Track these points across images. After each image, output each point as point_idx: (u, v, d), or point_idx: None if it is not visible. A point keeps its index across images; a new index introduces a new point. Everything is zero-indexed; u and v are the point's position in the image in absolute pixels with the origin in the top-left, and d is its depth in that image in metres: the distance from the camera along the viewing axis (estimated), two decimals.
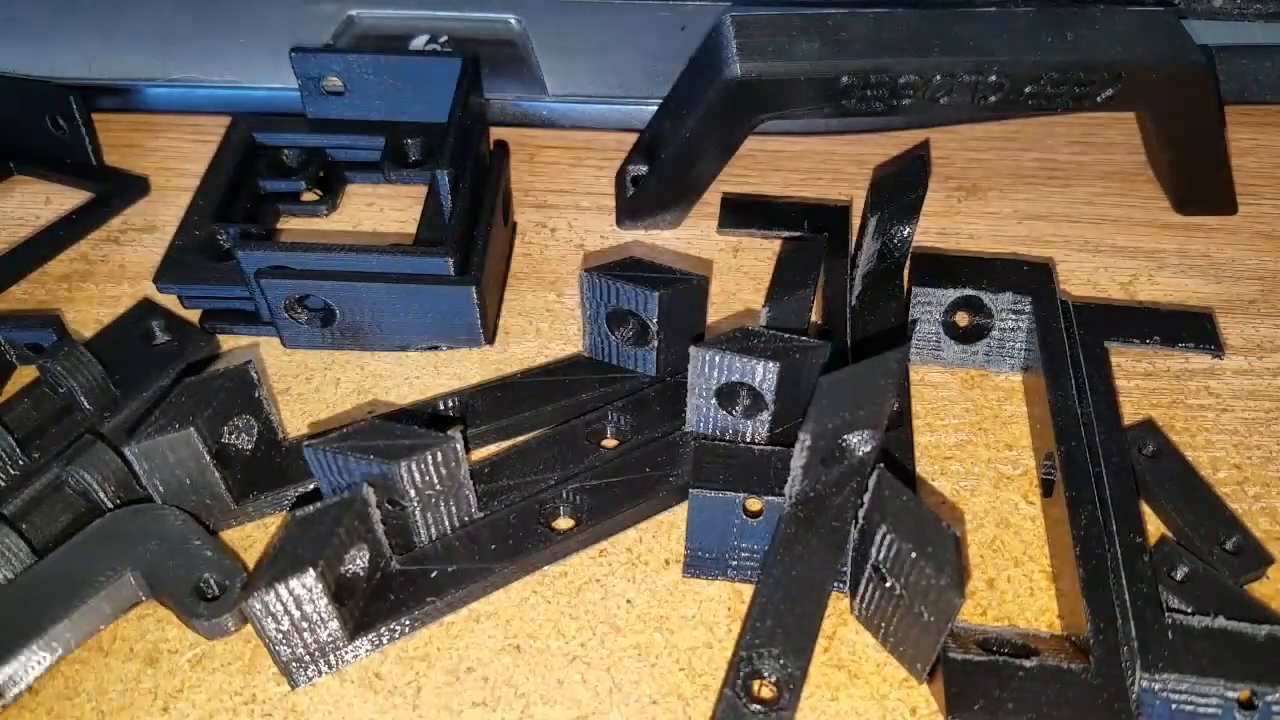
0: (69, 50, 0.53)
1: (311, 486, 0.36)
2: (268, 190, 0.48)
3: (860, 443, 0.33)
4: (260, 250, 0.40)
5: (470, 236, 0.41)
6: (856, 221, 0.47)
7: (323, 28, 0.52)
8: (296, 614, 0.30)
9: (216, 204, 0.45)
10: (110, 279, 0.46)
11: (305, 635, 0.31)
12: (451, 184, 0.41)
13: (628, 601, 0.34)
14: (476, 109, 0.47)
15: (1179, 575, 0.34)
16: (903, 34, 0.42)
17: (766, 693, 0.30)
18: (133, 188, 0.50)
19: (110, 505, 0.35)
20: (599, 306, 0.39)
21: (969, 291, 0.40)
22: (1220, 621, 0.32)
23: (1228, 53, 0.53)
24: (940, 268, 0.41)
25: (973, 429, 0.39)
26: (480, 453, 0.38)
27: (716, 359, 0.34)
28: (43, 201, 0.49)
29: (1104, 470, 0.35)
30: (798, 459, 0.32)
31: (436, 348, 0.42)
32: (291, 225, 0.48)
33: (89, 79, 0.52)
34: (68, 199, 0.49)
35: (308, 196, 0.48)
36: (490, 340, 0.42)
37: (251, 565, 0.35)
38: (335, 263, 0.40)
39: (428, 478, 0.33)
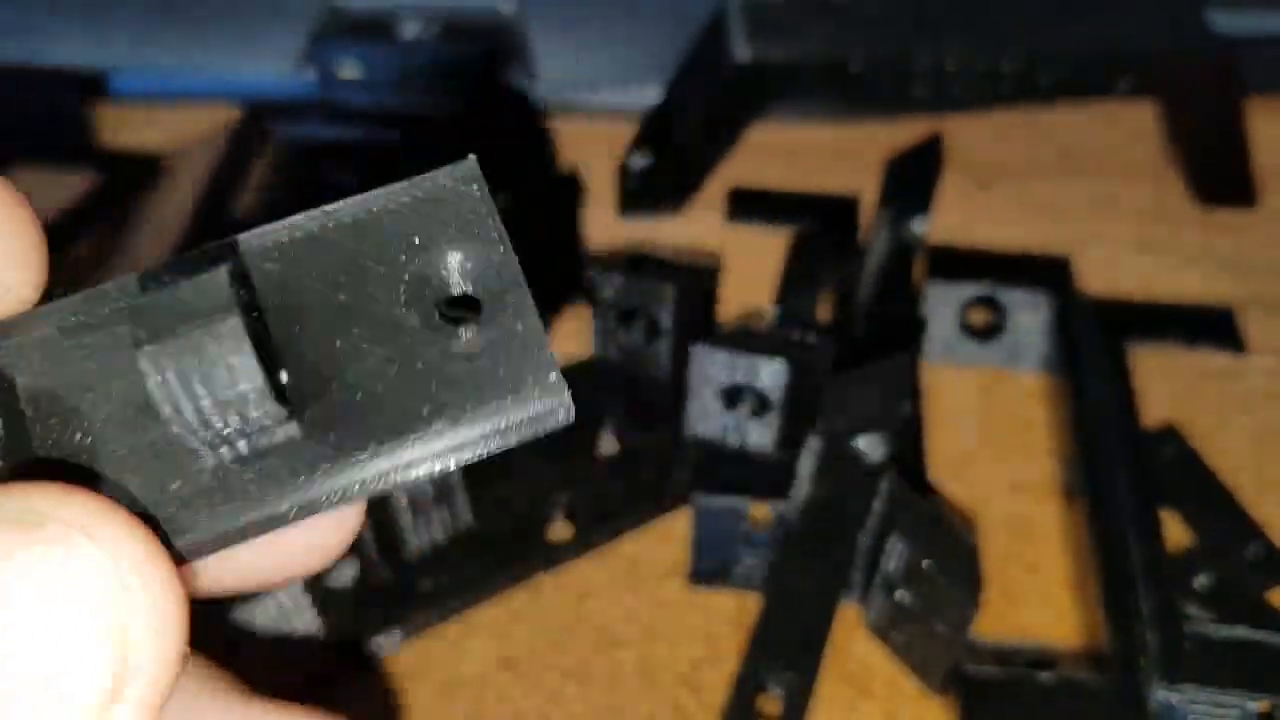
0: (42, 38, 0.52)
1: None
2: None
3: (871, 447, 0.33)
4: None
5: None
6: (868, 214, 0.46)
7: (306, 13, 0.52)
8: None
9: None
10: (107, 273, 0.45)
11: None
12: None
13: (628, 613, 0.34)
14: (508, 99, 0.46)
15: (1199, 584, 0.33)
16: (917, 18, 0.42)
17: (772, 708, 0.30)
18: (144, 172, 0.49)
19: None
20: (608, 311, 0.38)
21: (984, 287, 0.40)
22: (1241, 631, 0.31)
23: (1258, 44, 0.52)
24: (955, 262, 0.41)
25: (988, 432, 0.39)
26: None
27: (719, 359, 0.34)
28: (39, 189, 0.49)
29: (1123, 475, 0.35)
30: (806, 463, 0.32)
31: None
32: None
33: (61, 65, 0.51)
34: (65, 187, 0.48)
35: None
36: None
37: None
38: None
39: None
